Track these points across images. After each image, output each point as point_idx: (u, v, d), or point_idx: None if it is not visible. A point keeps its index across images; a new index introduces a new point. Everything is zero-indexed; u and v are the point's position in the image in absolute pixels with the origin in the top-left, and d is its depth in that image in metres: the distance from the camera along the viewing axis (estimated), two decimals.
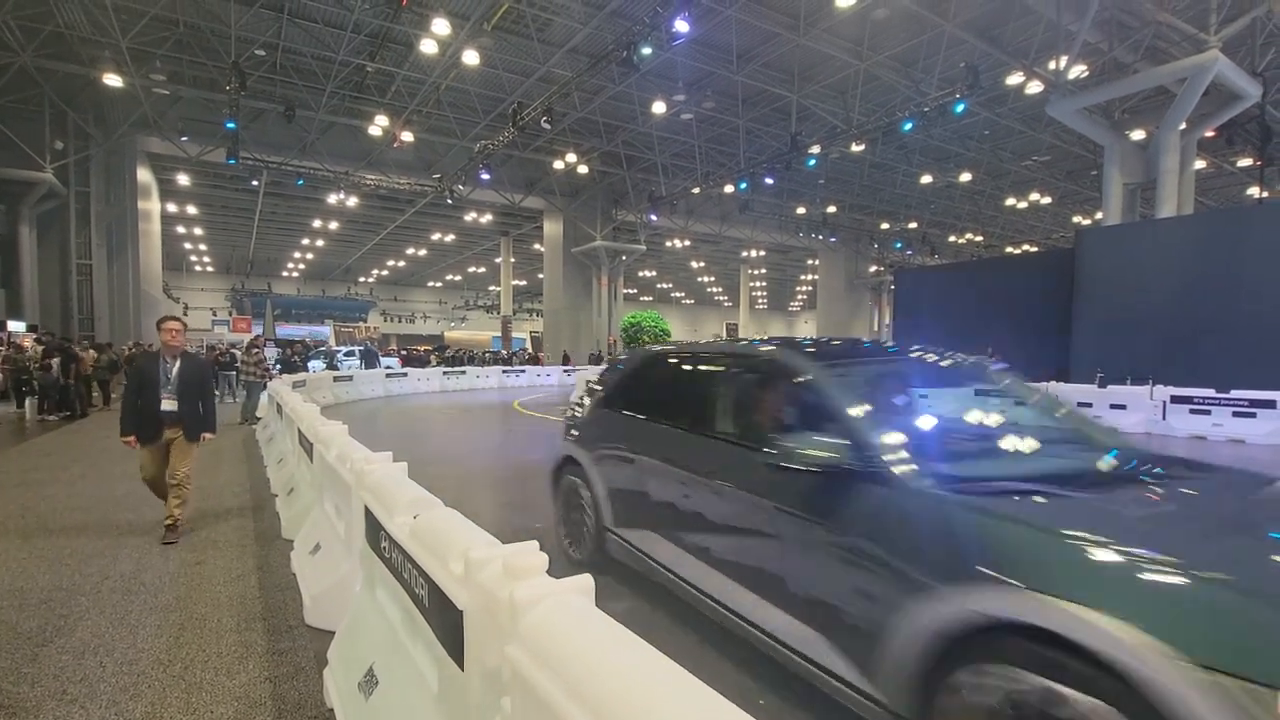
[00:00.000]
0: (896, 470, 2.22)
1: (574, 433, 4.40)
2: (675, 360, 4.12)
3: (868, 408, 2.55)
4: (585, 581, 1.43)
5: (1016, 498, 2.04)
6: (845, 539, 2.25)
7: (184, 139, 21.51)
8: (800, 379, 2.87)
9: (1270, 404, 9.85)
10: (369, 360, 26.77)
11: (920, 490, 2.14)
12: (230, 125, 17.43)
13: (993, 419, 3.06)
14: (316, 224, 35.22)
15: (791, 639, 2.42)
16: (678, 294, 66.61)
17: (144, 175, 22.67)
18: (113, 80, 16.93)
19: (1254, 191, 23.55)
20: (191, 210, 32.40)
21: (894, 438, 2.37)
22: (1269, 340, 11.87)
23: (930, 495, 2.11)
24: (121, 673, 2.90)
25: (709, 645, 3.16)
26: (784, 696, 2.69)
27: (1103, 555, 1.67)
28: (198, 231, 38.15)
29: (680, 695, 1.01)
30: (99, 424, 12.04)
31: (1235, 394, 10.27)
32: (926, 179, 27.74)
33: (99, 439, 10.09)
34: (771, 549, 2.61)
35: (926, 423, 2.92)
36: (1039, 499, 2.06)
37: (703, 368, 3.87)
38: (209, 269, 49.52)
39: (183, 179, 25.47)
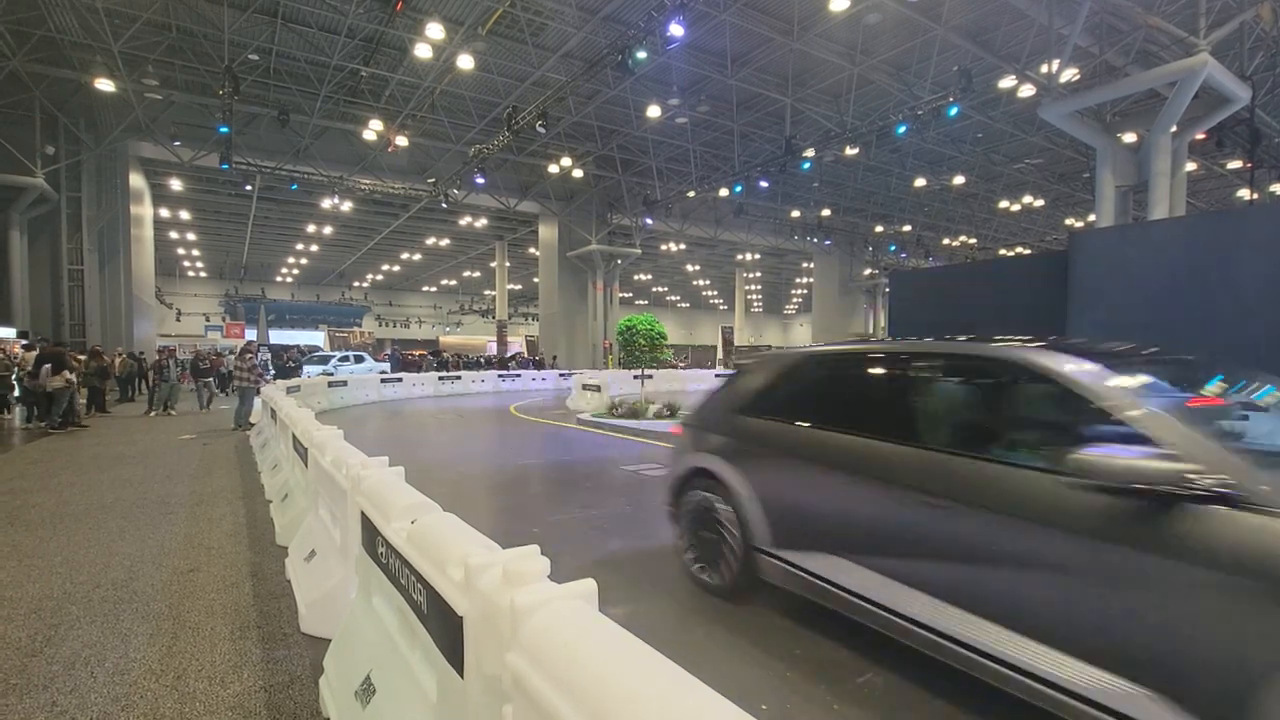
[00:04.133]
0: (1260, 489, 1.89)
1: (708, 442, 3.98)
2: (866, 363, 3.65)
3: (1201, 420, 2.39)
4: (588, 586, 1.41)
5: None
6: (1197, 573, 1.92)
7: (176, 144, 21.40)
8: (1086, 385, 2.45)
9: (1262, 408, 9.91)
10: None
11: None
12: (223, 130, 17.35)
13: None
14: (310, 229, 35.07)
15: (1096, 693, 2.05)
16: (673, 297, 66.67)
17: (136, 180, 22.53)
18: (105, 85, 16.84)
19: (1244, 193, 23.75)
20: (184, 215, 32.21)
21: (1233, 452, 2.10)
22: (1261, 341, 11.94)
23: None
24: (113, 683, 2.85)
25: (708, 653, 3.13)
26: (786, 701, 2.66)
27: None
28: (191, 236, 37.91)
29: (685, 700, 1.00)
30: (89, 432, 11.95)
31: None
32: (920, 182, 27.89)
33: (88, 446, 10.01)
34: (1062, 583, 2.24)
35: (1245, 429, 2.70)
36: None
37: (918, 372, 3.23)
38: (202, 274, 49.25)
39: (175, 184, 25.30)
